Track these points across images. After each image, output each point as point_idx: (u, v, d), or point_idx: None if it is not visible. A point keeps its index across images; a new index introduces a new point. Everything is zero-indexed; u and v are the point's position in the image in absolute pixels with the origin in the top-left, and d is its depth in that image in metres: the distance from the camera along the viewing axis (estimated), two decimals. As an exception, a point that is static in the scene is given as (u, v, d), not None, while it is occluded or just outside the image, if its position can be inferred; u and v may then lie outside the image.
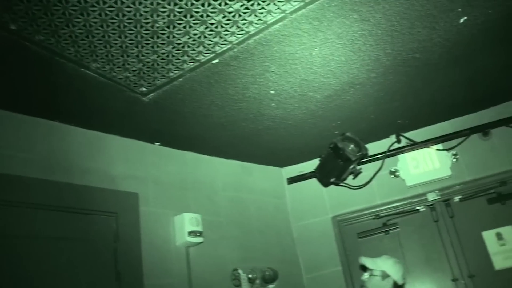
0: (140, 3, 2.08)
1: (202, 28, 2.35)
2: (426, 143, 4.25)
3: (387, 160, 4.31)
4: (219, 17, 2.28)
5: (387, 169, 4.33)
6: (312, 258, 4.28)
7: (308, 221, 4.49)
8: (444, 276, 4.05)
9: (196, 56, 2.59)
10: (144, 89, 2.86)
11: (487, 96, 3.98)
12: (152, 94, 2.93)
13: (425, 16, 2.57)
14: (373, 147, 4.29)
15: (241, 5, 2.22)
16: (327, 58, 2.83)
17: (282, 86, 3.08)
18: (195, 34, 2.39)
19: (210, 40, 2.46)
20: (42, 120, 3.01)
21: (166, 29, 2.30)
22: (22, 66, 2.44)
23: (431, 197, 4.22)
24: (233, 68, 2.77)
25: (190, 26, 2.31)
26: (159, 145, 3.68)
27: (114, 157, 3.36)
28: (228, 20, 2.32)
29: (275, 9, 2.30)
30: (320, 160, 4.08)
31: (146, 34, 2.32)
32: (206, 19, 2.27)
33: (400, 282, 3.04)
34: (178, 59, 2.59)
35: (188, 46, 2.48)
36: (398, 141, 4.31)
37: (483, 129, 4.14)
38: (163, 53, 2.52)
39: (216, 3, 2.16)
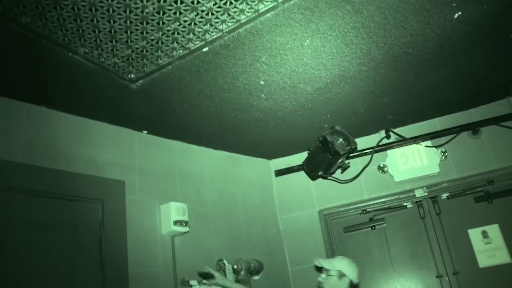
0: (129, -13, 2.05)
1: (192, 15, 2.32)
2: (415, 140, 4.25)
3: (375, 155, 4.31)
4: (210, 4, 2.26)
5: (375, 164, 4.33)
6: (298, 251, 4.28)
7: (294, 214, 4.49)
8: (429, 273, 4.08)
9: (186, 44, 2.57)
10: (132, 76, 2.83)
11: (478, 94, 3.99)
12: (140, 81, 2.91)
13: (419, 10, 2.56)
14: (362, 142, 4.29)
15: (233, -8, 2.20)
16: (319, 49, 2.81)
17: (272, 77, 3.06)
18: (185, 21, 2.36)
19: (200, 28, 2.44)
20: (29, 104, 2.97)
21: (156, 14, 2.27)
22: (8, 49, 2.40)
23: (418, 193, 4.23)
24: (223, 57, 2.74)
25: (181, 13, 2.28)
26: (146, 133, 3.65)
27: (101, 144, 3.33)
28: (219, 7, 2.29)
29: (267, -2, 2.28)
30: (308, 153, 4.07)
31: (135, 19, 2.29)
32: (197, 5, 2.25)
33: (355, 281, 3.09)
34: (167, 46, 2.56)
35: (178, 33, 2.46)
36: (388, 137, 4.31)
37: (473, 127, 4.16)
38: (152, 40, 2.49)
39: (207, -11, 2.14)
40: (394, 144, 4.31)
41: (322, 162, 3.91)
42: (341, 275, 3.05)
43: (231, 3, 2.27)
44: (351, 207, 4.40)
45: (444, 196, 4.23)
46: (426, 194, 4.22)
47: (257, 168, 4.55)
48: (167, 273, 3.36)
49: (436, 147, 4.22)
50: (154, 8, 2.22)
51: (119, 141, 3.46)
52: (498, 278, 3.87)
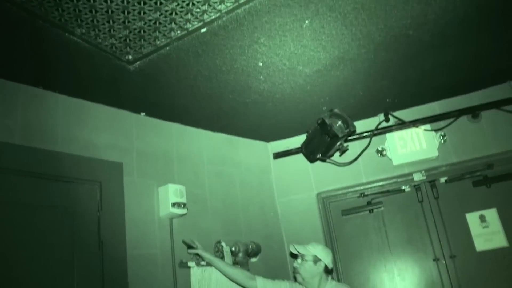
0: (126, -35, 2.02)
1: (190, -5, 2.30)
2: (414, 123, 4.24)
3: (374, 138, 4.30)
4: (208, -16, 2.23)
5: (374, 147, 4.32)
6: (295, 234, 4.29)
7: (292, 197, 4.50)
8: (426, 256, 4.10)
9: (184, 25, 2.54)
10: (130, 57, 2.80)
11: (478, 78, 3.96)
12: (138, 62, 2.88)
13: (421, -10, 2.53)
14: (361, 125, 4.28)
15: (231, -28, 2.17)
16: (318, 31, 2.78)
17: (271, 59, 3.03)
18: (183, 1, 2.34)
19: (198, 8, 2.41)
20: (25, 86, 2.95)
21: (153, -6, 2.25)
22: (3, 29, 2.37)
23: (417, 177, 4.23)
24: (221, 38, 2.72)
25: (178, -8, 2.26)
26: (144, 115, 3.64)
27: (98, 126, 3.32)
28: (217, -13, 2.26)
29: (266, -23, 2.25)
30: (307, 136, 4.06)
31: (132, -1, 2.26)
32: (194, -15, 2.22)
33: (330, 266, 3.17)
34: (165, 26, 2.53)
35: (176, 14, 2.43)
36: (386, 120, 4.29)
37: (473, 111, 4.14)
38: (150, 20, 2.46)
39: (205, -32, 2.11)
40: (393, 127, 4.30)
41: (321, 145, 3.90)
42: (316, 260, 3.12)
43: (229, -18, 2.24)
44: (349, 190, 4.41)
45: (442, 180, 4.23)
46: (425, 178, 4.22)
47: (255, 151, 4.55)
48: (165, 255, 3.37)
49: (435, 130, 4.21)
50: (151, -12, 2.20)
51: (117, 123, 3.44)
52: (495, 261, 3.89)
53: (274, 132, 4.47)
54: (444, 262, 4.02)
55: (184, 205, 3.47)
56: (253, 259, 3.94)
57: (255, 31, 2.69)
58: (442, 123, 4.21)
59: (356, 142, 4.33)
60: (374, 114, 4.37)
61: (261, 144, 4.62)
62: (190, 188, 3.66)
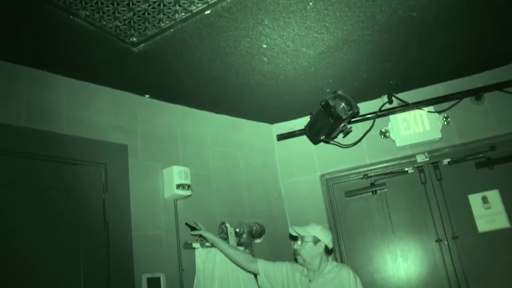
0: None
1: (194, -24, 2.29)
2: (418, 105, 4.24)
3: (377, 120, 4.30)
4: (212, -35, 2.22)
5: (377, 129, 4.32)
6: (299, 215, 4.32)
7: (296, 179, 4.52)
8: (428, 237, 4.13)
9: (188, 6, 2.54)
10: (134, 39, 2.81)
11: (482, 60, 3.95)
12: (142, 44, 2.89)
13: (425, -29, 2.52)
14: (365, 107, 4.27)
15: (235, -47, 2.16)
16: (322, 12, 2.77)
17: (275, 41, 3.03)
18: (187, -17, 2.33)
19: (202, -10, 2.40)
20: (30, 69, 2.96)
21: (157, -25, 2.24)
22: (9, 12, 2.37)
23: (420, 158, 4.24)
24: (225, 20, 2.71)
25: (182, -26, 2.25)
26: (148, 97, 3.65)
27: (103, 109, 3.34)
28: (221, -32, 2.26)
29: (270, -41, 2.24)
30: (310, 118, 4.06)
31: (136, -20, 2.26)
32: (198, -34, 2.21)
33: (330, 246, 3.18)
34: (169, 8, 2.53)
35: (180, -5, 2.43)
36: (390, 102, 4.29)
37: (476, 93, 4.13)
38: (154, 2, 2.47)
39: (209, -51, 2.10)
40: (396, 109, 4.30)
41: (324, 127, 3.90)
42: (316, 241, 3.13)
43: (233, -36, 2.23)
44: (353, 171, 4.42)
45: (445, 161, 4.24)
46: (428, 159, 4.23)
47: (259, 133, 4.56)
48: (170, 236, 3.41)
49: (439, 112, 4.21)
50: (155, -31, 2.19)
51: (121, 105, 3.46)
52: (497, 242, 3.92)
53: (278, 113, 4.47)
54: (446, 243, 4.05)
55: (189, 186, 3.49)
56: (257, 240, 3.97)
57: (259, 13, 2.68)
58: (445, 105, 4.21)
59: (360, 123, 4.33)
60: (378, 96, 4.37)
61: (265, 126, 4.63)
62: (194, 169, 3.68)
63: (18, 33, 2.59)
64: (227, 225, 3.67)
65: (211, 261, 3.45)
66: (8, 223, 2.65)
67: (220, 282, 3.41)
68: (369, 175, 4.40)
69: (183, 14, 2.60)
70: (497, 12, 3.12)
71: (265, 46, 3.08)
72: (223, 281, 3.43)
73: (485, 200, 4.06)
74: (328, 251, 3.19)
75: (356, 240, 4.31)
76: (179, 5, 2.51)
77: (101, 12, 2.48)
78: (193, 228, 3.37)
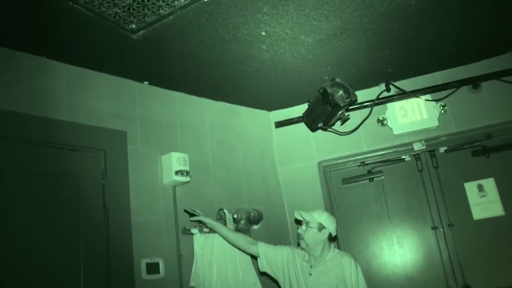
0: None
1: (193, -37, 2.29)
2: (415, 93, 4.25)
3: (375, 108, 4.32)
4: (212, -48, 2.22)
5: (375, 117, 4.34)
6: (297, 202, 4.33)
7: (294, 166, 4.54)
8: (424, 224, 4.17)
9: (187, -7, 2.54)
10: (133, 26, 2.81)
11: (479, 48, 3.96)
12: (141, 31, 2.89)
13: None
14: (362, 95, 4.28)
15: None
16: (321, 0, 2.78)
17: (274, 28, 3.04)
18: (186, -30, 2.33)
19: (201, -23, 2.41)
20: (29, 55, 2.97)
21: (156, -38, 2.24)
22: (8, -2, 2.38)
23: (417, 146, 4.27)
24: (225, 7, 2.72)
25: (182, -39, 2.25)
26: (147, 84, 3.66)
27: (102, 95, 3.35)
28: (221, -45, 2.26)
29: None
30: (308, 105, 4.08)
31: (136, -34, 2.26)
32: (198, -47, 2.21)
33: (334, 233, 3.18)
34: (169, -5, 2.54)
35: (179, -18, 2.43)
36: (388, 90, 4.31)
37: (474, 82, 4.14)
38: (153, -11, 2.47)
39: None
40: (394, 97, 4.32)
41: (322, 114, 3.92)
42: (321, 228, 3.13)
43: (232, -49, 2.23)
44: (350, 159, 4.45)
45: (442, 149, 4.26)
46: (424, 147, 4.26)
47: (257, 120, 4.58)
48: (169, 222, 3.45)
49: (436, 101, 4.23)
50: (154, -44, 2.19)
51: (120, 92, 3.47)
52: (491, 230, 3.97)
53: (276, 101, 4.48)
54: (442, 230, 4.09)
55: (187, 173, 3.52)
56: (255, 227, 4.01)
57: (258, 0, 2.69)
58: (442, 93, 4.23)
59: (357, 111, 4.34)
60: (376, 84, 4.37)
61: (263, 113, 4.65)
62: (193, 156, 3.70)
63: (17, 20, 2.59)
64: (225, 211, 3.70)
65: (209, 247, 3.48)
66: (8, 208, 2.68)
67: (218, 268, 3.45)
68: (366, 162, 4.42)
69: (182, 1, 2.60)
70: (495, 1, 3.12)
71: (263, 33, 3.09)
72: (221, 267, 3.47)
73: (480, 188, 4.09)
74: (331, 238, 3.20)
75: (353, 227, 4.35)
76: (178, -8, 2.51)
77: (100, -2, 2.49)
78: (192, 215, 3.40)
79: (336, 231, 3.22)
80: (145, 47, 3.08)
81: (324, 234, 3.13)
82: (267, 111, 4.68)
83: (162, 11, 2.68)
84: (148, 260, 3.20)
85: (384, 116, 4.35)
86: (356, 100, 3.88)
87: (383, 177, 4.37)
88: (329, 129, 4.23)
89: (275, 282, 3.33)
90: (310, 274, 3.09)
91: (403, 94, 4.28)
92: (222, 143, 4.13)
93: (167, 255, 3.33)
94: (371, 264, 4.20)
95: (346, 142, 4.41)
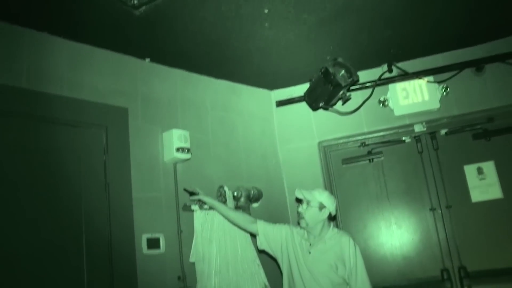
0: None
1: None
2: (417, 75, 4.23)
3: (377, 89, 4.30)
4: None
5: (376, 97, 4.33)
6: (296, 181, 4.33)
7: (294, 145, 4.54)
8: (423, 205, 4.20)
9: (190, -31, 2.52)
10: (135, 2, 2.80)
11: (484, 30, 3.92)
12: (143, 7, 2.88)
13: None
14: (364, 75, 4.26)
15: None
16: (324, -21, 2.77)
17: (276, 6, 3.02)
18: None
19: (204, -48, 2.39)
20: (31, 30, 2.97)
21: None
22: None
23: (417, 128, 4.27)
24: (227, -16, 2.71)
25: None
26: (149, 61, 3.65)
27: (103, 72, 3.35)
28: None
29: None
30: (310, 84, 4.07)
31: None
32: None
33: (333, 213, 3.19)
34: (171, -30, 2.53)
35: (182, -43, 2.41)
36: (390, 71, 4.29)
37: (478, 64, 4.12)
38: (156, -36, 2.45)
39: None
40: (396, 78, 4.30)
41: (323, 94, 3.92)
42: (321, 207, 3.13)
43: None
44: (350, 139, 4.45)
45: (443, 132, 4.27)
46: (425, 129, 4.26)
47: (258, 99, 4.57)
48: (169, 199, 3.48)
49: (438, 82, 4.21)
50: None
51: (122, 69, 3.47)
52: (489, 212, 4.01)
53: (277, 80, 4.47)
54: (440, 211, 4.12)
55: (188, 150, 3.53)
56: (255, 205, 4.04)
57: (262, -23, 2.68)
58: (445, 75, 4.20)
59: (359, 92, 4.33)
60: (378, 64, 4.35)
61: (264, 92, 4.63)
62: (193, 134, 3.70)
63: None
64: (226, 188, 3.72)
65: (209, 223, 3.52)
66: (9, 184, 2.70)
67: (217, 244, 3.49)
68: (367, 143, 4.43)
69: (185, -23, 2.59)
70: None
71: (266, 11, 3.07)
72: (220, 243, 3.51)
73: (480, 171, 4.11)
74: (331, 218, 3.21)
75: (352, 207, 4.38)
76: (181, -33, 2.50)
77: (102, -27, 2.48)
78: (192, 193, 3.42)
79: (336, 210, 3.24)
80: (147, 24, 3.07)
81: (324, 214, 3.14)
82: (268, 90, 4.66)
83: (165, -13, 2.67)
84: (149, 235, 3.24)
85: (385, 97, 4.34)
86: (358, 80, 3.88)
87: (382, 158, 4.38)
88: (330, 109, 4.23)
89: (274, 260, 3.36)
90: (309, 253, 3.11)
91: (405, 75, 4.26)
92: (222, 121, 4.14)
93: (167, 230, 3.37)
94: (368, 244, 4.24)
95: (347, 122, 4.40)
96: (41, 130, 2.92)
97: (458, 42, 4.10)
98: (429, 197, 4.19)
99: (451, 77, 4.18)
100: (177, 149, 3.46)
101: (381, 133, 4.39)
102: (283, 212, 4.32)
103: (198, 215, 3.50)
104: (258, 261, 3.67)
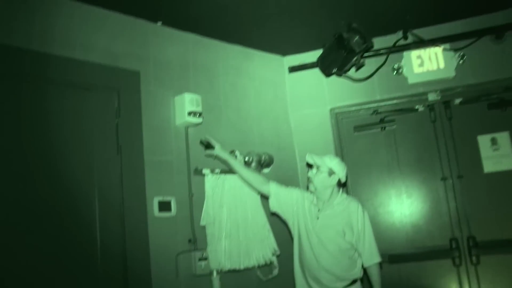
0: None
1: None
2: (434, 42, 4.15)
3: (391, 56, 4.20)
4: None
5: (390, 65, 4.25)
6: (307, 147, 4.27)
7: (306, 111, 4.52)
8: (434, 175, 4.18)
9: None
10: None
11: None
12: (156, -31, 2.85)
13: None
14: (379, 42, 4.17)
15: None
16: None
17: (290, -31, 2.97)
18: None
19: None
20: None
21: None
22: None
23: (431, 97, 4.22)
24: None
25: None
26: (161, 24, 3.63)
27: (116, 35, 3.35)
28: None
29: None
30: (323, 50, 4.02)
31: None
32: None
33: (343, 180, 3.19)
34: None
35: None
36: (405, 38, 4.18)
37: (497, 31, 4.01)
38: None
39: None
40: (411, 45, 4.21)
41: (337, 60, 3.87)
42: (331, 173, 3.14)
43: None
44: (363, 107, 4.41)
45: (457, 101, 4.21)
46: (439, 98, 4.21)
47: (271, 64, 4.53)
48: (181, 162, 3.51)
49: (455, 50, 4.13)
50: None
51: (134, 32, 3.46)
52: (501, 183, 3.99)
53: (290, 46, 4.41)
54: (451, 181, 4.11)
55: (200, 114, 3.53)
56: (266, 170, 4.05)
57: None
58: (462, 43, 4.10)
59: (373, 58, 4.24)
60: (393, 31, 4.24)
61: (276, 58, 4.59)
62: (205, 98, 3.70)
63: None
64: (237, 153, 3.74)
65: (220, 188, 3.56)
66: (23, 146, 2.75)
67: (228, 208, 3.54)
68: (379, 111, 4.39)
69: None
70: None
71: (280, -26, 3.02)
72: (231, 207, 3.56)
73: (494, 141, 4.07)
74: (340, 184, 3.22)
75: (363, 174, 4.37)
76: None
77: None
78: (207, 146, 3.43)
79: (346, 177, 3.25)
80: (159, -14, 3.04)
81: (334, 179, 3.15)
82: (281, 55, 4.62)
83: None
84: (160, 198, 3.29)
85: (399, 64, 4.28)
86: (372, 47, 3.82)
87: (395, 126, 4.35)
88: (343, 76, 4.18)
89: (285, 224, 3.40)
90: (318, 218, 3.14)
91: (420, 43, 4.17)
92: (234, 86, 4.13)
93: (178, 194, 3.42)
94: (378, 211, 4.26)
95: (360, 89, 4.36)
96: (53, 93, 2.95)
97: (477, 8, 3.99)
98: (440, 167, 4.17)
99: (468, 45, 4.08)
100: (189, 113, 3.47)
101: (394, 101, 4.34)
102: (293, 177, 4.34)
103: (209, 179, 3.53)
104: (268, 226, 3.72)
